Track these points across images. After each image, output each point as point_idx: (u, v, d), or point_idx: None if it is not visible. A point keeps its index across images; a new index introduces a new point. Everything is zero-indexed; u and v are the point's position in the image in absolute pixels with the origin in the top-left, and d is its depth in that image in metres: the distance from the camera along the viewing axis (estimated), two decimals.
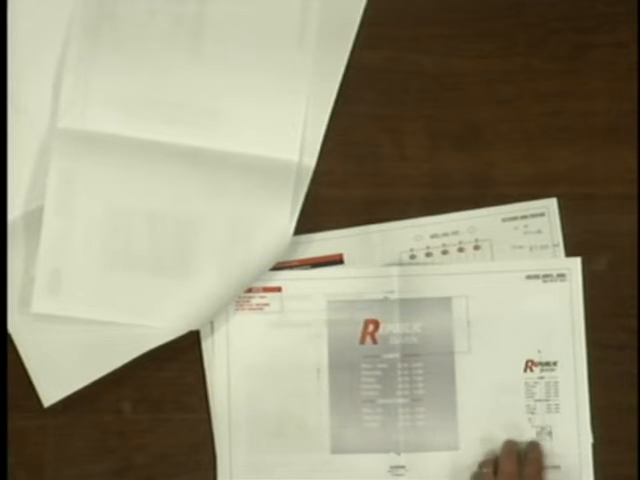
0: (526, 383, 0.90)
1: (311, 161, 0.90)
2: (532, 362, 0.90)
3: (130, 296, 0.89)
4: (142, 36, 0.90)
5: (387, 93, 0.93)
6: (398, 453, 0.90)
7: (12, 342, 0.89)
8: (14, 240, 0.90)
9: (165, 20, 0.91)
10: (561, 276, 0.90)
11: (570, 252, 0.90)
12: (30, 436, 0.91)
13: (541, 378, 0.90)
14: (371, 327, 0.90)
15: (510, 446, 0.88)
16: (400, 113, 0.93)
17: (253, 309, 0.91)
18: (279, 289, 0.91)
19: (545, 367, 0.90)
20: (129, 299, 0.89)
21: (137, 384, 0.91)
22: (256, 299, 0.91)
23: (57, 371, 0.89)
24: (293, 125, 0.90)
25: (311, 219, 0.90)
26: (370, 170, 0.92)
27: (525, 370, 0.90)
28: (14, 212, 0.90)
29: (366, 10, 0.92)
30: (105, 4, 0.90)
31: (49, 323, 0.89)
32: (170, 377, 0.91)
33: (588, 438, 0.90)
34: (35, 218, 0.89)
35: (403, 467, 0.90)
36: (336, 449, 0.91)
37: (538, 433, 0.90)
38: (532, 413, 0.90)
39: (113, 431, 0.91)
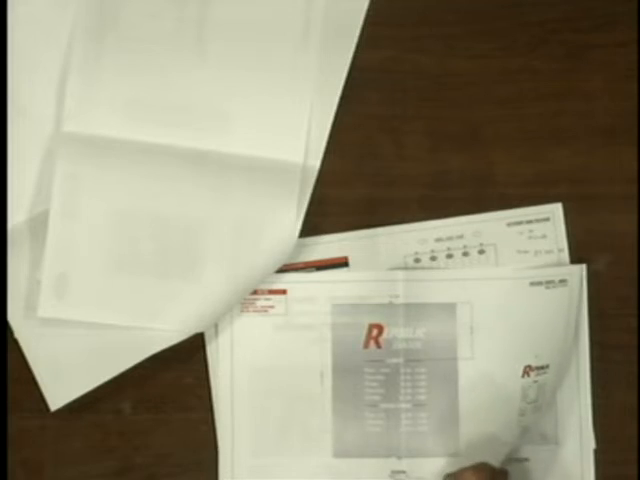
0: (522, 387, 0.90)
1: (316, 162, 0.90)
2: (530, 367, 0.90)
3: (136, 299, 0.89)
4: (145, 39, 0.90)
5: (387, 93, 0.93)
6: (399, 458, 0.90)
7: (18, 346, 0.89)
8: (20, 245, 0.89)
9: (168, 23, 0.90)
10: (563, 282, 0.90)
11: (570, 252, 0.91)
12: (30, 436, 0.91)
13: (535, 382, 0.90)
14: (375, 331, 0.90)
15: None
16: (400, 113, 0.92)
17: (258, 311, 0.91)
18: (284, 291, 0.91)
19: (540, 371, 0.90)
20: (135, 302, 0.89)
21: (137, 384, 0.90)
22: (261, 301, 0.91)
23: (64, 375, 0.89)
24: (297, 126, 0.90)
25: (310, 219, 0.90)
26: (370, 170, 0.92)
27: (523, 376, 0.90)
28: (19, 217, 0.89)
29: (366, 10, 0.92)
30: (107, 8, 0.90)
31: (56, 327, 0.88)
32: (170, 377, 0.91)
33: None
34: (40, 222, 0.89)
35: (404, 472, 0.90)
36: (338, 453, 0.90)
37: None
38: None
39: (113, 431, 0.91)
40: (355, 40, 0.91)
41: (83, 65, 0.89)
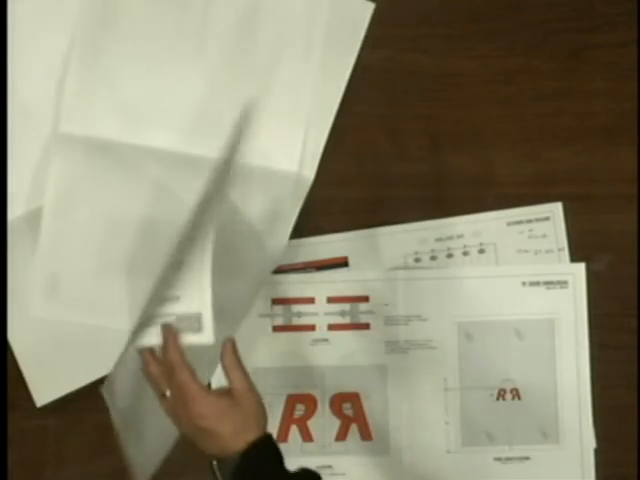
0: None
1: (310, 173, 0.90)
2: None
3: (127, 301, 0.89)
4: (145, 43, 0.90)
5: (387, 93, 0.93)
6: None
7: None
8: (15, 238, 0.89)
9: (168, 26, 0.90)
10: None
11: (570, 252, 0.91)
12: (30, 436, 0.91)
13: None
14: None
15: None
16: (400, 113, 0.93)
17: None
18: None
19: None
20: (126, 304, 0.89)
21: None
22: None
23: (52, 372, 0.89)
24: (294, 136, 0.90)
25: (310, 219, 0.90)
26: (370, 170, 0.92)
27: None
28: (16, 211, 0.89)
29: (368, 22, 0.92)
30: (108, 9, 0.90)
31: (46, 326, 0.88)
32: None
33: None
34: (37, 217, 0.88)
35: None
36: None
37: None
38: None
39: (113, 431, 0.91)
40: (355, 54, 0.91)
41: (81, 66, 0.89)
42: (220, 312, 0.87)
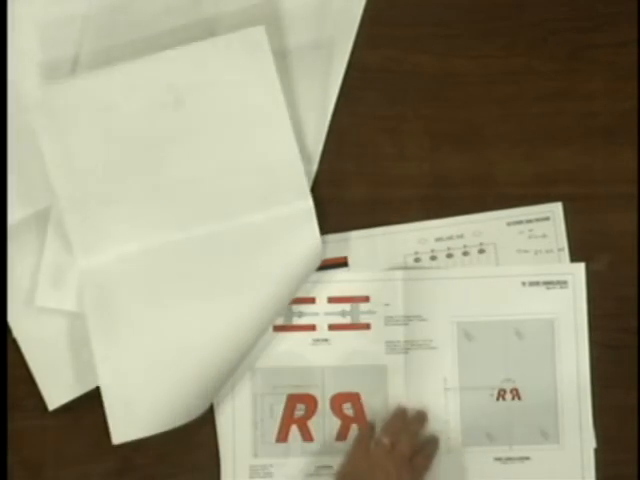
0: None
1: (312, 167, 0.91)
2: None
3: None
4: (155, 35, 0.90)
5: (387, 93, 0.93)
6: None
7: (15, 344, 0.89)
8: (23, 240, 0.89)
9: (180, 20, 0.90)
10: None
11: (570, 252, 0.91)
12: (30, 436, 0.91)
13: None
14: None
15: (411, 425, 0.89)
16: (400, 113, 0.93)
17: None
18: None
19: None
20: None
21: None
22: None
23: (63, 375, 0.89)
24: (295, 131, 0.90)
25: None
26: (370, 170, 0.92)
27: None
28: (20, 214, 0.89)
29: (366, 10, 0.92)
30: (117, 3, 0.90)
31: (54, 326, 0.88)
32: None
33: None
34: (43, 218, 0.88)
35: None
36: None
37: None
38: None
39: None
40: (351, 44, 0.91)
41: (92, 62, 0.89)
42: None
